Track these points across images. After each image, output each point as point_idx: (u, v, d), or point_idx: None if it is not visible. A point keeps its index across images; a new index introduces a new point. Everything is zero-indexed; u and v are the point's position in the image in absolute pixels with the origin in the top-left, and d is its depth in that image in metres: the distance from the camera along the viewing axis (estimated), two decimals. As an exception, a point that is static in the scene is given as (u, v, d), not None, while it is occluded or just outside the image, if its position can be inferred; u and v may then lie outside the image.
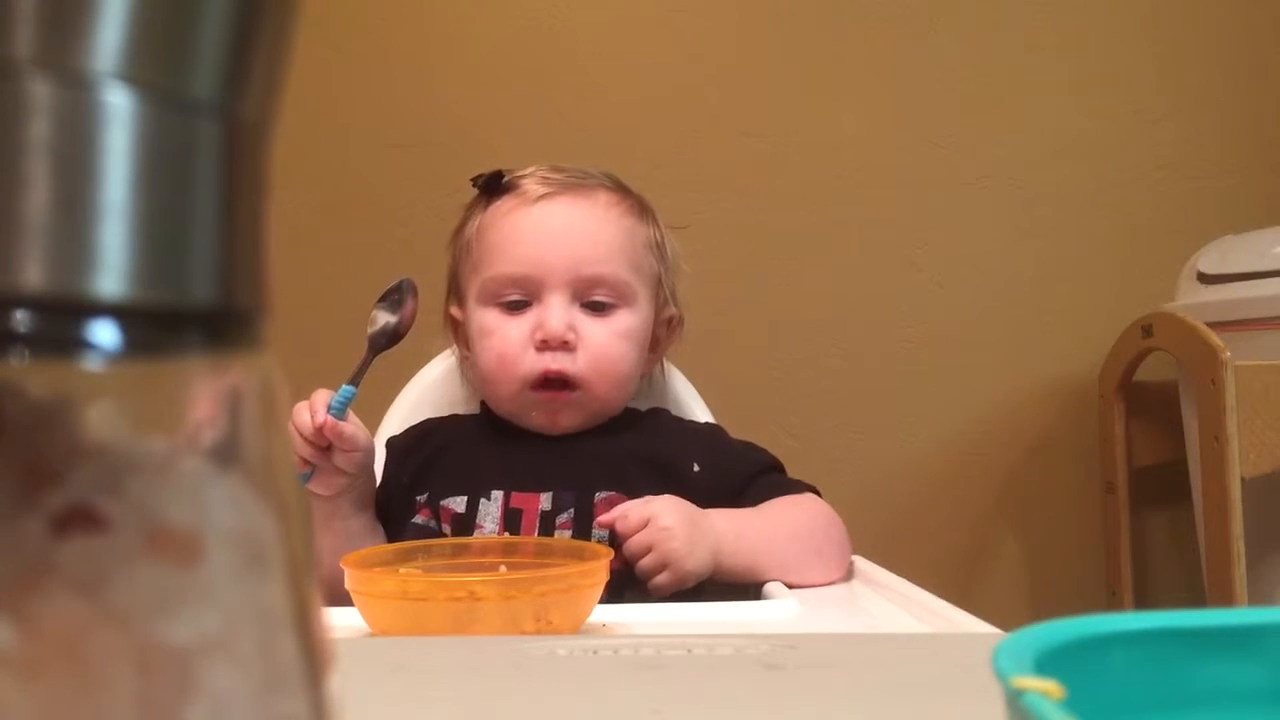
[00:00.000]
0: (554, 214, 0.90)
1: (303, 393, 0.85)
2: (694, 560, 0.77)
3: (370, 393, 0.86)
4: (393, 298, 0.86)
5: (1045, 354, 1.66)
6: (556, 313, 0.88)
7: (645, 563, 0.76)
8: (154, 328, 0.13)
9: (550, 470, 0.88)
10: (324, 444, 0.82)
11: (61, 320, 0.13)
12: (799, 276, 1.66)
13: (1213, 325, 1.34)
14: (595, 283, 0.89)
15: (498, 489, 0.87)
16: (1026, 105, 1.67)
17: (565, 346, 0.88)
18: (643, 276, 0.93)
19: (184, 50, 0.13)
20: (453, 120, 1.64)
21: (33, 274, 0.12)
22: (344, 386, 0.83)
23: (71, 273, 0.13)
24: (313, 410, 0.82)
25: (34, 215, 0.12)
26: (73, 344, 0.13)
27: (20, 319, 0.12)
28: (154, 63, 0.13)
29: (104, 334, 0.13)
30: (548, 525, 0.85)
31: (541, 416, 0.90)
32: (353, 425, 0.83)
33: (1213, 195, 1.66)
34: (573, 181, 0.92)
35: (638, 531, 0.77)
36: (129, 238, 0.13)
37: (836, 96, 1.67)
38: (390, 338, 0.84)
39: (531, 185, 0.91)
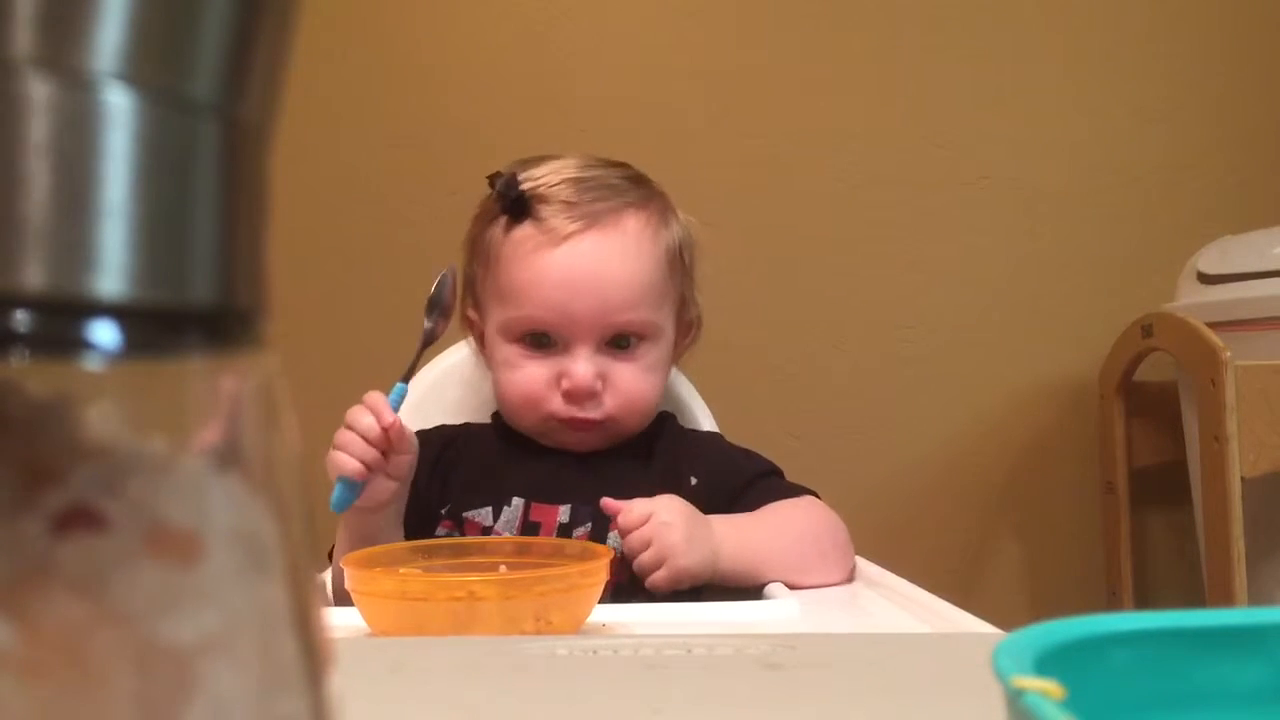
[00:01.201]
0: (582, 256, 0.87)
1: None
2: (691, 558, 0.77)
3: (373, 385, 0.86)
4: (434, 296, 0.87)
5: (1045, 354, 1.66)
6: (583, 364, 0.87)
7: (644, 558, 0.76)
8: (154, 328, 0.13)
9: (570, 483, 0.88)
10: (386, 446, 0.80)
11: (61, 320, 0.13)
12: (799, 277, 1.65)
13: (1213, 325, 1.34)
14: (623, 329, 0.89)
15: (519, 496, 0.87)
16: (1026, 105, 1.67)
17: (592, 396, 0.88)
18: (668, 303, 0.92)
19: (184, 50, 0.13)
20: (453, 120, 1.64)
21: (33, 274, 0.12)
22: (398, 385, 0.83)
23: (71, 273, 0.13)
24: (377, 411, 0.80)
25: (34, 215, 0.12)
26: (73, 344, 0.13)
27: (20, 319, 0.12)
28: (154, 63, 0.13)
29: (104, 334, 0.13)
30: (565, 537, 0.85)
31: (567, 437, 0.91)
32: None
33: (1213, 195, 1.66)
34: (599, 209, 0.88)
35: (639, 525, 0.77)
36: (129, 238, 0.13)
37: (837, 97, 1.67)
38: (429, 338, 0.86)
39: (557, 221, 0.87)
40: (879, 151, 1.66)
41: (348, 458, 0.79)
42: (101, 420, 0.13)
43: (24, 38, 0.12)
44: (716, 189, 1.62)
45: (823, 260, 1.66)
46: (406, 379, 0.84)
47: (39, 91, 0.12)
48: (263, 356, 0.15)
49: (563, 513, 0.86)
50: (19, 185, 0.12)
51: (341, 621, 0.61)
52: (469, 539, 0.79)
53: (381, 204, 1.64)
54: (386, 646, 0.51)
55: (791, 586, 0.79)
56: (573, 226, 0.87)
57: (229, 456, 0.14)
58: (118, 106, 0.13)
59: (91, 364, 0.13)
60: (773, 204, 1.65)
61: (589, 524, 0.86)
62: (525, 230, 0.89)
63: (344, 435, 0.80)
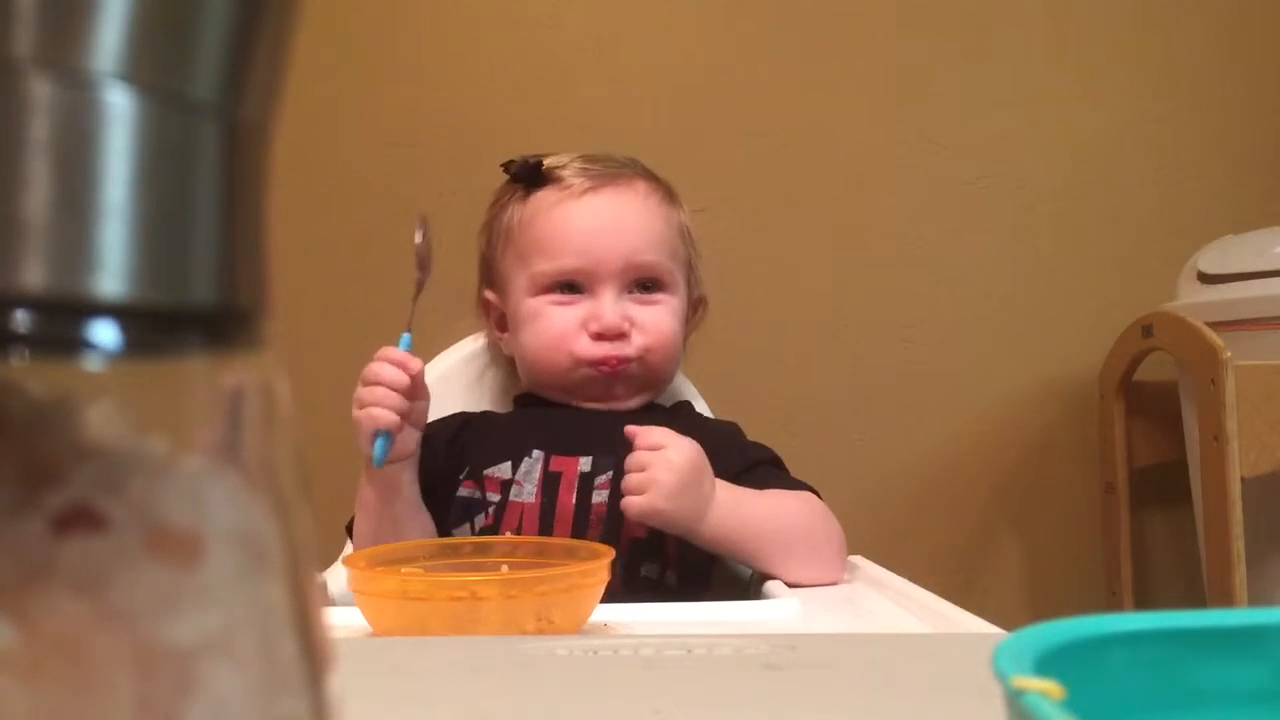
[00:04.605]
0: (602, 207, 0.92)
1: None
2: (672, 504, 0.78)
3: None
4: (419, 247, 0.90)
5: (1045, 354, 1.66)
6: (611, 305, 0.90)
7: (631, 479, 0.78)
8: (154, 328, 0.13)
9: (591, 437, 0.89)
10: (414, 395, 0.82)
11: (61, 320, 0.13)
12: (799, 276, 1.65)
13: (1213, 325, 1.34)
14: (644, 272, 0.92)
15: (538, 449, 0.89)
16: (1026, 105, 1.67)
17: (621, 336, 0.91)
18: (679, 262, 0.96)
19: (184, 50, 0.13)
20: (453, 120, 1.64)
21: (33, 274, 0.12)
22: (404, 335, 0.85)
23: (72, 273, 0.13)
24: (403, 362, 0.82)
25: (34, 215, 0.12)
26: (73, 344, 0.13)
27: (20, 319, 0.12)
28: (154, 63, 0.13)
29: (104, 334, 0.13)
30: (586, 486, 0.86)
31: (596, 387, 0.92)
32: None
33: (1213, 195, 1.66)
34: (611, 172, 0.95)
35: (650, 450, 0.79)
36: (129, 238, 0.13)
37: (837, 96, 1.67)
38: (418, 287, 0.88)
39: (573, 178, 0.94)
40: (879, 151, 1.66)
41: (383, 411, 0.81)
42: (102, 420, 0.13)
43: (24, 38, 0.12)
44: (716, 188, 1.62)
45: (822, 260, 1.66)
46: (410, 328, 0.86)
47: (39, 91, 0.12)
48: (263, 356, 0.15)
49: (584, 463, 0.87)
50: (19, 185, 0.12)
51: (342, 621, 0.61)
52: (467, 539, 0.79)
53: (380, 204, 1.64)
54: (388, 646, 0.51)
55: (787, 582, 0.79)
56: (591, 183, 0.93)
57: (229, 456, 0.14)
58: (118, 106, 0.13)
59: (92, 364, 0.13)
60: (773, 203, 1.65)
61: (609, 473, 0.86)
62: (545, 192, 0.94)
63: (373, 391, 0.82)
